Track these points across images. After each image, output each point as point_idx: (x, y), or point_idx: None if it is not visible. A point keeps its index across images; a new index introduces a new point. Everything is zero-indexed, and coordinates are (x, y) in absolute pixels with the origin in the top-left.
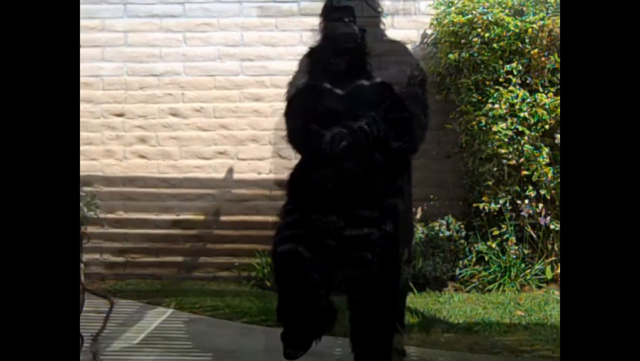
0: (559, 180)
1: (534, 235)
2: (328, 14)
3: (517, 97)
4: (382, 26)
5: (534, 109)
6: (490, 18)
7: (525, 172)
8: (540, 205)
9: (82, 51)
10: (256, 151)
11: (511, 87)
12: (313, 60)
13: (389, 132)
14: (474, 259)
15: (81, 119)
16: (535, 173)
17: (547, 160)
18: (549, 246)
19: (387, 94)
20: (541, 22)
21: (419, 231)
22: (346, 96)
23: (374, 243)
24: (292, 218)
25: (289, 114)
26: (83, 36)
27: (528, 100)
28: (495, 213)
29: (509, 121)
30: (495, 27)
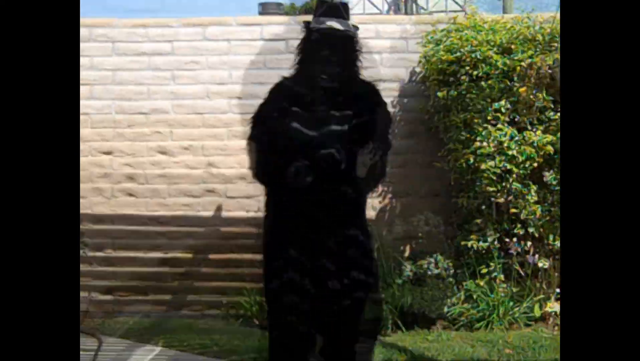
0: (547, 218)
1: (522, 273)
2: (308, 47)
3: (505, 135)
4: (359, 64)
5: (522, 147)
6: (478, 56)
7: (513, 210)
8: (529, 243)
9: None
10: (244, 189)
11: (499, 125)
12: (284, 90)
13: (354, 165)
14: (462, 297)
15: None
16: (523, 211)
17: (535, 198)
18: (537, 284)
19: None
20: (529, 60)
21: (407, 269)
22: (316, 125)
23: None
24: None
25: (257, 141)
26: None
27: (516, 138)
28: (483, 251)
29: (497, 159)
30: (483, 65)
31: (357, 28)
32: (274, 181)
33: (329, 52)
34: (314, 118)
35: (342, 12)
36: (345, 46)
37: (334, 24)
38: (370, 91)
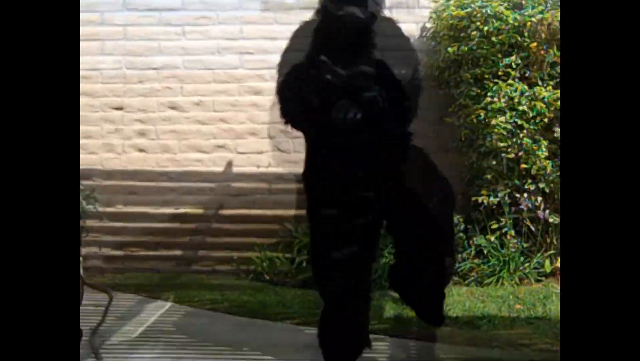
0: (557, 173)
1: (533, 229)
2: (322, 34)
3: (516, 90)
4: (388, 16)
5: (532, 103)
6: (489, 11)
7: (524, 166)
8: (539, 199)
9: (81, 45)
10: (255, 144)
11: (510, 81)
12: (313, 35)
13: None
14: (472, 253)
15: (80, 113)
16: (534, 167)
17: (546, 154)
18: (548, 240)
19: (387, 75)
20: (540, 16)
21: None
22: (347, 74)
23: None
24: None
25: (287, 87)
26: (82, 30)
27: (527, 93)
28: (494, 207)
29: (508, 114)
30: (494, 20)
31: (375, 17)
32: (310, 121)
33: (346, 40)
34: (344, 55)
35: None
36: (363, 36)
37: (355, 11)
38: (403, 45)
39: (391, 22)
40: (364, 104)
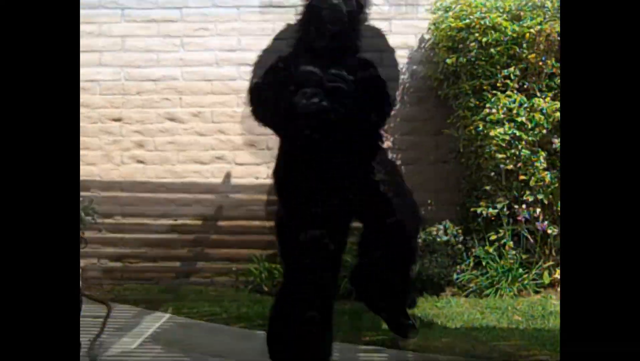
0: (556, 185)
1: (532, 240)
2: (306, 23)
3: (514, 101)
4: (358, 43)
5: (531, 114)
6: (487, 22)
7: (522, 177)
8: (538, 210)
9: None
10: (253, 156)
11: (508, 92)
12: (296, 35)
13: (360, 109)
14: (471, 264)
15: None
16: (532, 178)
17: (545, 165)
18: (547, 251)
19: (365, 74)
20: (539, 27)
21: None
22: (324, 76)
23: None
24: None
25: (260, 90)
26: (80, 41)
27: (525, 105)
28: (493, 218)
29: (507, 125)
30: (492, 31)
31: (361, 6)
32: (282, 123)
33: (326, 27)
34: (324, 55)
35: None
36: (345, 23)
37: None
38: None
39: (378, 33)
40: (329, 90)
